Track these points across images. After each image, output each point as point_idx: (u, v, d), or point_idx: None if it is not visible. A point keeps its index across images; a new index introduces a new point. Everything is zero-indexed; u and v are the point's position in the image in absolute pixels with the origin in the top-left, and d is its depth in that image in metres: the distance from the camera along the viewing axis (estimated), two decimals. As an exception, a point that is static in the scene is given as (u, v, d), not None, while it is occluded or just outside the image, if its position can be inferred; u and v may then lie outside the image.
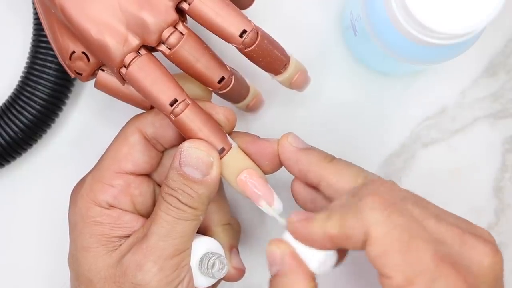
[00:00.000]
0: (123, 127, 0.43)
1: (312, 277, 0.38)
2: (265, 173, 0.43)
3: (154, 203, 0.44)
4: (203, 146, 0.40)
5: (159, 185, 0.45)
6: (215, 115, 0.42)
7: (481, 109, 0.52)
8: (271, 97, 0.51)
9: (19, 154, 0.50)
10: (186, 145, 0.40)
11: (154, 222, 0.40)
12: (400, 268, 0.34)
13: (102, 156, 0.43)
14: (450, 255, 0.34)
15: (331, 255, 0.39)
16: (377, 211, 0.35)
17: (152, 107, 0.43)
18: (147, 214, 0.44)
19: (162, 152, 0.44)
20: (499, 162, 0.52)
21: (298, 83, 0.44)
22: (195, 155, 0.39)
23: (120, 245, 0.41)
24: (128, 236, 0.42)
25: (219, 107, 0.42)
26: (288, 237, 0.39)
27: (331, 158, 0.41)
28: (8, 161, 0.50)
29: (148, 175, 0.44)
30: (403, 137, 0.53)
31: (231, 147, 0.41)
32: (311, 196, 0.43)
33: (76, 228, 0.42)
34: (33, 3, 0.48)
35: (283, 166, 0.43)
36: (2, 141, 0.48)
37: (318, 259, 0.38)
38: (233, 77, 0.43)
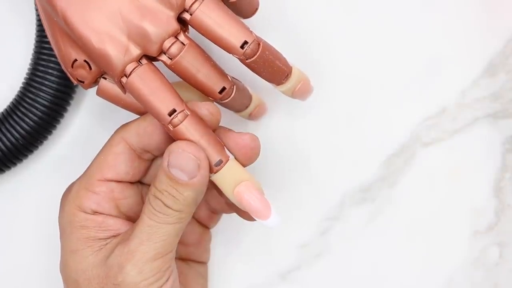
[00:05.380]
0: (110, 137, 0.44)
1: None
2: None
3: (140, 204, 0.45)
4: (190, 148, 0.40)
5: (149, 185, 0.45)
6: (198, 111, 0.41)
7: (481, 109, 0.52)
8: (273, 103, 0.51)
9: (20, 160, 0.50)
10: (174, 146, 0.40)
11: (137, 225, 0.41)
12: None
13: (89, 164, 0.44)
14: None
15: None
16: None
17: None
18: (134, 214, 0.44)
19: (151, 161, 0.44)
20: (499, 162, 0.52)
21: (300, 93, 0.44)
22: (182, 156, 0.39)
23: (106, 244, 0.42)
24: (115, 237, 0.42)
25: (202, 103, 0.42)
26: None
27: None
28: (9, 167, 0.50)
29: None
30: (403, 137, 0.53)
31: (228, 159, 0.41)
32: None
33: (65, 232, 0.43)
34: (36, 10, 0.48)
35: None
36: (3, 147, 0.48)
37: None
38: (234, 87, 0.43)
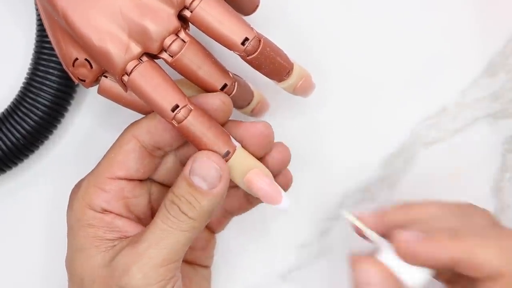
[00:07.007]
0: (120, 134, 0.44)
1: None
2: (256, 156, 0.43)
3: (148, 204, 0.45)
4: (215, 158, 0.40)
5: (159, 183, 0.46)
6: (211, 101, 0.42)
7: (481, 109, 0.52)
8: (274, 100, 0.51)
9: (21, 160, 0.50)
10: (199, 155, 0.40)
11: (149, 229, 0.41)
12: None
13: (99, 162, 0.44)
14: None
15: (427, 271, 0.41)
16: None
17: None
18: (142, 215, 0.44)
19: (161, 157, 0.44)
20: (499, 162, 0.53)
21: (302, 90, 0.44)
22: (205, 166, 0.40)
23: (114, 246, 0.42)
24: (122, 238, 0.42)
25: (214, 93, 0.42)
26: (385, 256, 0.41)
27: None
28: (9, 167, 0.50)
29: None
30: (403, 137, 0.53)
31: (235, 149, 0.41)
32: None
33: (72, 230, 0.43)
34: (37, 10, 0.48)
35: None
36: (4, 147, 0.48)
37: (418, 277, 0.40)
38: (236, 83, 0.43)
